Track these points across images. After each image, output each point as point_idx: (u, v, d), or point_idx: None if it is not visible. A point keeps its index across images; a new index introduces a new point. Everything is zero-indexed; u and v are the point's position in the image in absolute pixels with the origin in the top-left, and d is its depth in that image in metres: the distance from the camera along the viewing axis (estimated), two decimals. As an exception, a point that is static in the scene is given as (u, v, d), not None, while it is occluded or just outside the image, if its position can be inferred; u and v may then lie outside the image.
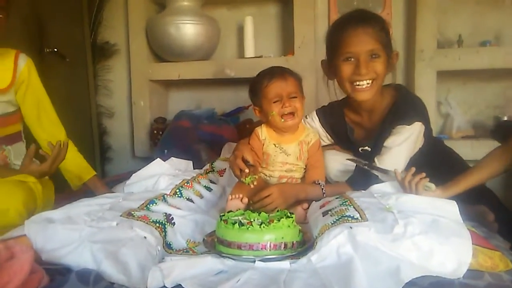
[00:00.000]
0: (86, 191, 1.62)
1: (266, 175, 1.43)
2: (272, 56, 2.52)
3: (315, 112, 1.61)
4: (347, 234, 0.94)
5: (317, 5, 2.44)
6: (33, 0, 2.13)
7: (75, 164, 1.62)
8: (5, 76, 1.51)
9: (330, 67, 1.45)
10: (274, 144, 1.40)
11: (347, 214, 1.03)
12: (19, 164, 1.53)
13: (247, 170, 1.27)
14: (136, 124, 2.66)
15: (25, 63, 1.55)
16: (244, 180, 1.27)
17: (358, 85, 1.37)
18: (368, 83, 1.36)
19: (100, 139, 2.73)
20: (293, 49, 2.41)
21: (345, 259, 0.89)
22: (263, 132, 1.42)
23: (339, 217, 1.02)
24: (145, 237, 0.98)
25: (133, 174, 1.54)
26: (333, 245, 0.93)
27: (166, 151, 2.19)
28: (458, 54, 2.25)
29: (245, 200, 1.28)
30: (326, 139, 1.61)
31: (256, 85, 1.39)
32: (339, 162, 1.49)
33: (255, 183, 1.28)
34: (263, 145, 1.41)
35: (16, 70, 1.52)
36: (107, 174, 2.77)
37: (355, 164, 1.42)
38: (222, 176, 1.68)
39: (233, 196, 1.29)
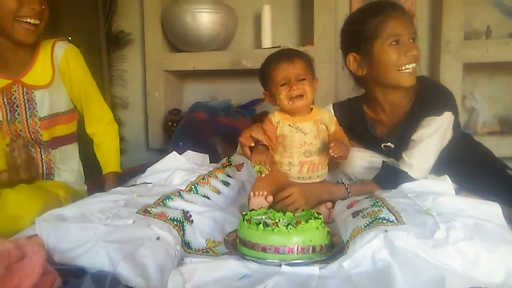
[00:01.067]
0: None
1: (285, 165, 1.34)
2: (291, 46, 2.42)
3: (331, 105, 1.54)
4: (383, 238, 0.86)
5: (338, -7, 2.34)
6: (47, -12, 2.09)
7: (103, 154, 1.56)
8: (46, 71, 1.41)
9: (364, 58, 1.36)
10: (289, 124, 1.33)
11: (381, 216, 0.95)
12: (63, 169, 1.49)
13: (252, 144, 1.23)
14: (150, 115, 2.62)
15: (64, 52, 1.44)
16: (252, 167, 1.22)
17: (407, 68, 1.30)
18: (413, 67, 1.31)
19: (114, 131, 2.70)
20: (312, 39, 2.32)
21: (382, 266, 0.82)
22: (275, 116, 1.35)
23: (373, 219, 0.94)
24: (157, 238, 0.91)
25: (148, 168, 1.48)
26: (368, 250, 0.85)
27: (181, 143, 2.15)
28: (486, 46, 2.14)
29: (270, 198, 1.21)
30: None
31: (264, 69, 1.36)
32: (364, 159, 1.41)
33: (265, 173, 1.21)
34: (277, 128, 1.34)
35: (53, 62, 1.42)
36: (121, 166, 2.71)
37: (381, 160, 1.34)
38: (240, 170, 1.62)
39: (257, 193, 1.21)
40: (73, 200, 1.27)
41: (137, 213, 1.02)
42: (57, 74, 1.43)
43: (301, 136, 1.32)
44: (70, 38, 2.25)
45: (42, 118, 1.42)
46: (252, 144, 1.25)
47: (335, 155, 1.23)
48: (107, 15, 2.60)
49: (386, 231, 0.87)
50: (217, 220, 1.16)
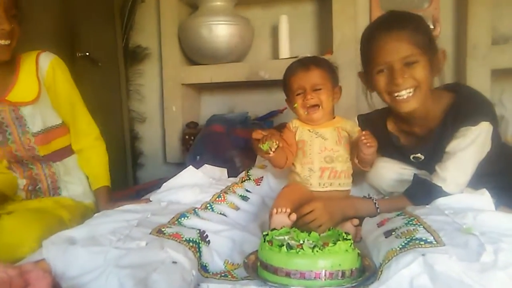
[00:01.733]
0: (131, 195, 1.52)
1: (305, 171, 1.27)
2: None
3: (356, 117, 1.49)
4: (422, 262, 0.76)
5: (357, 1, 2.28)
6: (65, 4, 2.10)
7: (91, 169, 1.47)
8: (31, 85, 1.34)
9: (367, 78, 1.32)
10: (309, 130, 1.29)
11: (417, 236, 0.86)
12: (70, 181, 1.44)
13: (264, 133, 1.20)
14: (168, 129, 2.61)
15: (49, 63, 1.37)
16: (262, 147, 1.18)
17: (398, 95, 1.22)
18: (409, 92, 1.21)
19: (132, 145, 2.70)
20: (331, 48, 2.27)
21: (422, 294, 0.72)
22: (294, 122, 1.33)
23: (408, 240, 0.85)
24: (174, 262, 0.84)
25: (164, 184, 1.42)
26: (405, 275, 0.76)
27: (198, 157, 2.11)
28: (516, 51, 2.05)
29: (294, 217, 1.12)
30: None
31: (284, 77, 1.34)
32: (392, 170, 1.31)
33: (273, 149, 1.18)
34: (295, 133, 1.31)
35: (38, 75, 1.36)
36: (139, 181, 2.73)
37: (411, 172, 1.25)
38: (259, 185, 1.54)
39: (279, 210, 1.13)
40: (82, 216, 1.22)
41: (150, 233, 0.96)
42: (43, 87, 1.37)
43: (321, 141, 1.27)
44: (88, 53, 2.27)
45: (36, 133, 1.36)
46: (264, 133, 1.21)
47: (368, 144, 1.16)
48: (125, 30, 2.62)
49: (423, 254, 0.78)
50: (236, 240, 1.09)
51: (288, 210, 1.12)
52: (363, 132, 1.19)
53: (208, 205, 1.26)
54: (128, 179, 2.66)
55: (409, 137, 1.37)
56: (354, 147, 1.28)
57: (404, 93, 1.21)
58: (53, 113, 1.41)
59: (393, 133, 1.38)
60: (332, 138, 1.27)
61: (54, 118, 1.41)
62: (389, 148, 1.39)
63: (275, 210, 1.12)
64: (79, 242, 0.90)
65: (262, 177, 1.56)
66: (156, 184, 1.65)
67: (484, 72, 2.08)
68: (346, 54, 2.21)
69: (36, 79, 1.35)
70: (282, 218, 1.11)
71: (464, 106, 1.23)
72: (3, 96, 1.32)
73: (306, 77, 1.26)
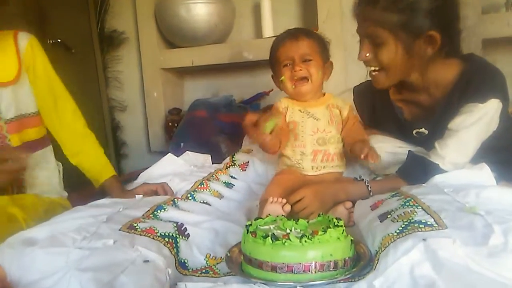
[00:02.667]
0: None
1: (297, 155, 1.20)
2: (294, 33, 2.28)
3: (351, 90, 1.40)
4: (423, 248, 0.68)
5: (341, -26, 2.17)
6: (33, -13, 1.98)
7: (90, 162, 1.33)
8: (9, 65, 1.22)
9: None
10: (299, 110, 1.22)
11: (416, 219, 0.77)
12: (37, 176, 1.30)
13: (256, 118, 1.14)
14: (150, 117, 2.52)
15: (27, 43, 1.25)
16: (266, 125, 1.11)
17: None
18: (376, 71, 1.18)
19: (114, 135, 2.60)
20: (317, 24, 2.17)
21: (424, 284, 0.63)
22: (283, 102, 1.25)
23: (406, 223, 0.76)
24: (146, 261, 0.75)
25: (141, 174, 1.33)
26: (404, 264, 0.67)
27: (182, 144, 2.04)
28: (507, 19, 1.97)
29: (288, 208, 1.05)
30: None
31: (271, 49, 1.26)
32: (387, 151, 1.22)
33: (279, 122, 1.14)
34: (286, 114, 1.23)
35: (19, 55, 1.23)
36: (123, 171, 2.64)
37: (406, 151, 1.16)
38: (245, 170, 1.46)
39: (275, 199, 1.06)
40: (46, 213, 1.11)
41: (120, 230, 0.86)
42: (23, 67, 1.24)
43: (314, 122, 1.20)
44: (60, 40, 2.15)
45: (8, 120, 1.23)
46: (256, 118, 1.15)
47: (374, 161, 1.08)
48: (99, 14, 2.49)
49: (424, 239, 0.69)
50: (219, 231, 1.00)
51: (284, 201, 1.06)
52: (364, 149, 1.10)
53: (189, 194, 1.17)
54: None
55: (413, 109, 1.27)
56: (346, 134, 1.22)
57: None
58: (29, 99, 1.28)
59: (397, 103, 1.29)
60: (324, 117, 1.21)
61: (30, 105, 1.28)
62: (390, 122, 1.30)
63: (270, 199, 1.06)
64: (39, 243, 0.80)
65: (248, 162, 1.48)
66: (139, 175, 1.55)
67: (474, 42, 2.00)
68: (332, 30, 2.11)
69: (16, 59, 1.23)
70: (276, 208, 1.04)
71: (475, 79, 1.12)
72: None
73: (295, 47, 1.18)
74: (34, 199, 1.24)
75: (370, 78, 1.30)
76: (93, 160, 1.33)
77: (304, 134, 1.20)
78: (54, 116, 1.31)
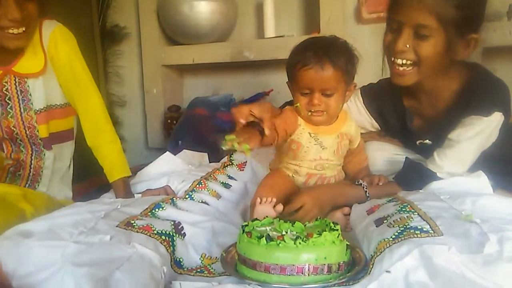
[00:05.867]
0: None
1: (290, 171, 1.17)
2: (295, 35, 2.28)
3: (359, 91, 1.30)
4: (418, 254, 0.68)
5: (345, -24, 2.18)
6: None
7: (104, 159, 1.30)
8: (37, 56, 1.21)
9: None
10: (310, 133, 1.13)
11: (412, 225, 0.77)
12: (52, 175, 1.30)
13: (242, 121, 0.99)
14: (149, 113, 2.51)
15: (52, 32, 1.22)
16: (237, 147, 0.91)
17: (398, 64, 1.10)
18: (407, 65, 1.10)
19: (112, 130, 2.59)
20: (319, 26, 2.16)
21: (418, 291, 0.64)
22: (298, 117, 1.14)
23: (402, 229, 0.77)
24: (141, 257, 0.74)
25: (138, 172, 1.32)
26: (399, 270, 0.68)
27: (180, 142, 2.04)
28: (509, 28, 1.95)
29: (280, 207, 1.02)
30: (370, 127, 1.32)
31: (290, 60, 1.11)
32: (385, 158, 1.21)
33: (234, 149, 0.92)
34: (295, 130, 1.13)
35: (43, 45, 1.21)
36: None
37: (404, 157, 1.16)
38: (243, 170, 1.46)
39: (264, 199, 1.02)
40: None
41: (117, 226, 0.86)
42: (47, 57, 1.24)
43: (318, 150, 1.13)
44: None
45: (38, 111, 1.24)
46: (242, 121, 1.01)
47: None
48: (101, 9, 2.48)
49: (419, 245, 0.69)
50: (216, 231, 0.99)
51: (274, 200, 1.02)
52: (375, 182, 1.13)
53: (187, 194, 1.17)
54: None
55: (417, 118, 1.24)
56: (349, 160, 1.21)
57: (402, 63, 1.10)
58: (57, 90, 1.28)
59: (409, 108, 1.24)
60: (331, 148, 1.14)
61: (57, 96, 1.28)
62: (400, 128, 1.27)
63: (258, 200, 1.02)
64: (36, 236, 0.80)
65: (246, 162, 1.47)
66: (137, 171, 1.55)
67: (475, 50, 2.01)
68: (334, 33, 2.05)
69: (41, 49, 1.22)
70: (266, 209, 1.01)
71: (479, 91, 1.10)
72: (10, 66, 1.20)
73: (318, 78, 1.04)
74: (44, 196, 1.25)
75: (384, 76, 1.25)
76: (106, 158, 1.30)
77: (304, 158, 1.14)
78: (79, 107, 1.29)
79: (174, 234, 0.90)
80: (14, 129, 1.24)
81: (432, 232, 0.75)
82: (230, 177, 1.38)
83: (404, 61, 1.09)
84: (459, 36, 1.06)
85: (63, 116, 1.31)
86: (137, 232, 0.85)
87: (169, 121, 2.37)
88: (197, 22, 2.22)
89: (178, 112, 2.39)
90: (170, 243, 0.87)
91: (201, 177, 1.27)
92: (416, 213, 0.82)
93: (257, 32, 2.42)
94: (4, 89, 1.21)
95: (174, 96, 2.54)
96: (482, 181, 1.03)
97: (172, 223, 0.93)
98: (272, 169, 1.24)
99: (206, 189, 1.21)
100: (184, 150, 1.52)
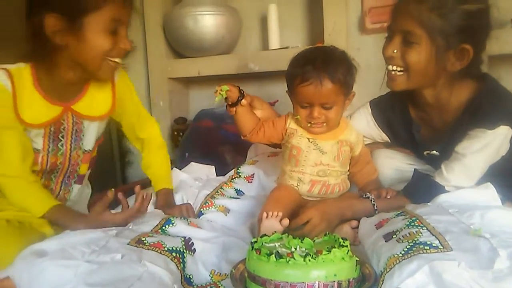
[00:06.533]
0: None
1: (294, 179, 1.18)
2: (299, 47, 2.29)
3: (368, 104, 1.32)
4: (428, 271, 0.69)
5: (349, -13, 2.19)
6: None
7: (152, 170, 1.38)
8: (104, 100, 1.23)
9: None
10: (308, 139, 1.16)
11: (421, 240, 0.78)
12: (83, 197, 1.34)
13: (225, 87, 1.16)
14: (156, 125, 2.52)
15: (120, 78, 1.27)
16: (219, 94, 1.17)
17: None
18: (397, 71, 1.13)
19: (119, 142, 2.61)
20: (323, 37, 2.18)
21: (429, 308, 0.65)
22: (291, 124, 1.19)
23: (411, 244, 0.77)
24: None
25: (146, 190, 1.33)
26: (410, 286, 0.68)
27: (187, 154, 2.04)
28: (512, 36, 1.98)
29: (286, 222, 1.02)
30: (379, 139, 1.32)
31: (289, 73, 1.14)
32: (395, 166, 1.21)
33: (224, 93, 1.17)
34: (292, 135, 1.18)
35: (114, 90, 1.25)
36: (128, 179, 2.66)
37: (413, 168, 1.16)
38: (251, 182, 1.46)
39: (270, 214, 1.02)
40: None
41: (128, 244, 0.87)
42: (116, 104, 1.26)
43: (318, 155, 1.15)
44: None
45: (86, 151, 1.25)
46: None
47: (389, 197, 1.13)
48: (108, 24, 2.53)
49: (430, 261, 0.70)
50: (226, 247, 1.00)
51: (280, 214, 1.02)
52: (383, 195, 1.13)
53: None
54: (117, 177, 2.57)
55: (425, 129, 1.25)
56: (357, 170, 1.22)
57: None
58: (102, 130, 1.31)
59: (416, 120, 1.25)
60: (331, 153, 1.15)
61: (100, 135, 1.31)
62: (407, 140, 1.27)
63: (265, 215, 1.03)
64: (49, 255, 0.81)
65: (253, 174, 1.48)
66: (144, 184, 1.56)
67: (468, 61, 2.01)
68: (338, 43, 2.07)
69: (111, 95, 1.24)
70: (273, 223, 1.01)
71: (485, 103, 1.09)
72: (69, 104, 1.19)
73: (317, 93, 1.07)
74: None
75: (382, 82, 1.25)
76: (151, 170, 1.39)
77: (306, 163, 1.15)
78: (140, 135, 1.38)
79: (185, 251, 0.90)
80: (59, 166, 1.22)
81: (442, 247, 0.75)
82: (238, 190, 1.39)
83: (394, 67, 1.12)
84: (447, 46, 1.07)
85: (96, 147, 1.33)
86: (148, 249, 0.86)
87: (175, 133, 2.38)
88: (202, 36, 2.25)
89: (185, 124, 2.40)
90: (181, 260, 0.87)
91: (207, 196, 1.28)
92: (425, 228, 0.83)
93: (262, 44, 2.44)
94: (61, 127, 1.19)
95: (180, 108, 2.56)
96: (490, 193, 1.02)
97: (183, 239, 0.94)
98: (278, 184, 1.25)
99: (213, 206, 1.22)
100: (192, 162, 1.53)
